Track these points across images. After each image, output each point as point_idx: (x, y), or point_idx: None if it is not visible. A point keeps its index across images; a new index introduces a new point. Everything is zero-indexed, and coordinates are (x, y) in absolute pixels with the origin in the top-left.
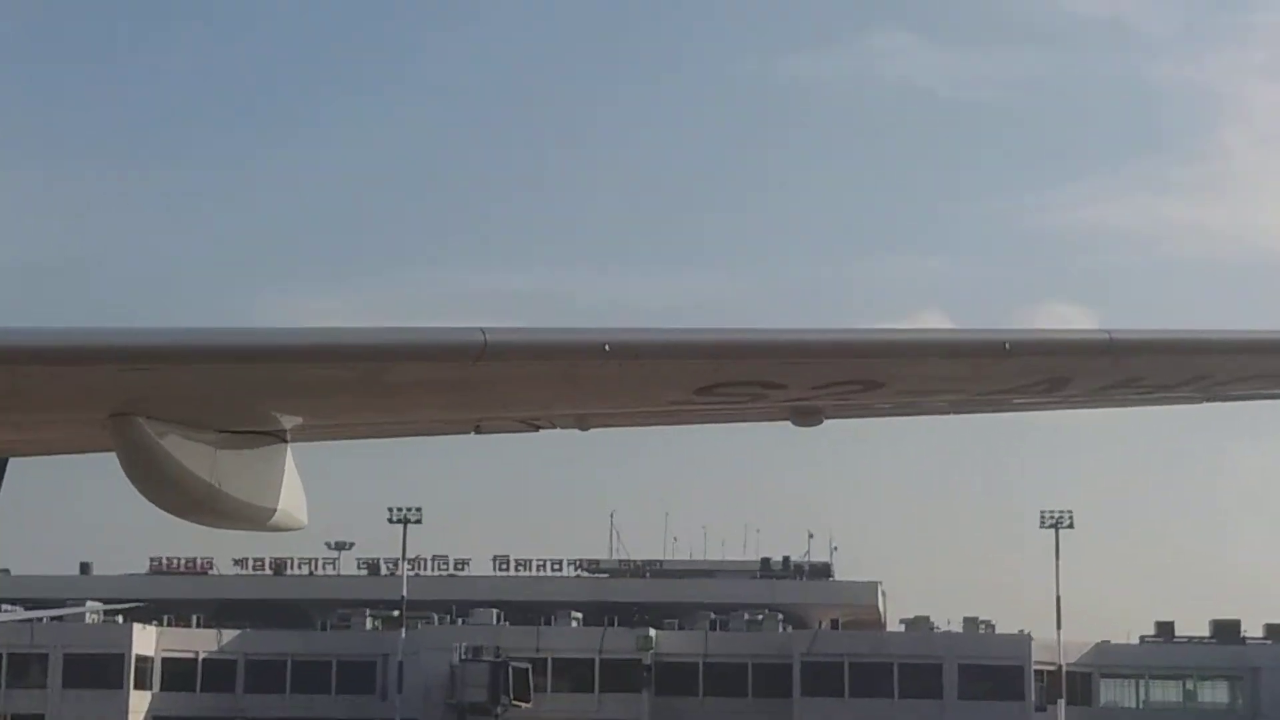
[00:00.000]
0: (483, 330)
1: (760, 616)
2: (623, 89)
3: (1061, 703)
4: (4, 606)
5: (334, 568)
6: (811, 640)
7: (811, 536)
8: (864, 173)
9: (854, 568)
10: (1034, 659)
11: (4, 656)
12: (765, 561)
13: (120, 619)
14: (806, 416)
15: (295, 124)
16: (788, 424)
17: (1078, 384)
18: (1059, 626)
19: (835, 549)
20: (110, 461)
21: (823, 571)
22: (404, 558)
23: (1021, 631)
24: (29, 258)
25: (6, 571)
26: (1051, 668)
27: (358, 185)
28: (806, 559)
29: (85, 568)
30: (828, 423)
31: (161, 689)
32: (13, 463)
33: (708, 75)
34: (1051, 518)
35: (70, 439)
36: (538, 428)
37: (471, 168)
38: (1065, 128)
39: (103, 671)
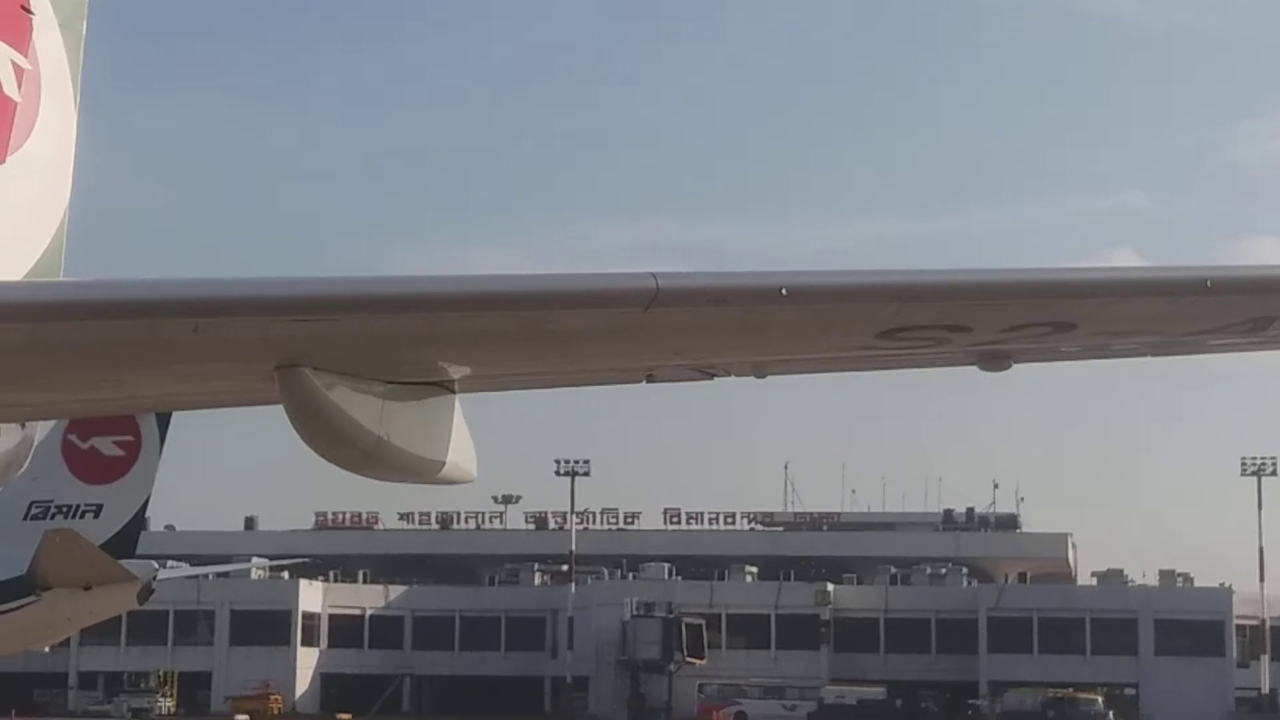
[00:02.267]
0: (654, 276)
1: (943, 570)
2: (790, 27)
3: (1265, 659)
4: (169, 563)
5: (501, 522)
6: (998, 595)
7: (997, 487)
8: (1049, 107)
9: (1042, 519)
10: (1235, 613)
11: (171, 613)
12: (948, 513)
13: (286, 575)
14: (994, 361)
15: (453, 72)
16: (973, 369)
17: None
18: (1262, 579)
19: (1022, 500)
20: (277, 414)
21: (1009, 523)
22: (572, 511)
23: (1222, 585)
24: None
25: (171, 528)
26: (1254, 622)
27: (519, 137)
28: (992, 510)
29: (250, 523)
30: (1016, 367)
31: (329, 645)
32: (178, 417)
33: (876, 11)
34: (1254, 465)
35: (236, 391)
36: (711, 375)
37: (635, 115)
38: (1269, 51)
39: (270, 628)
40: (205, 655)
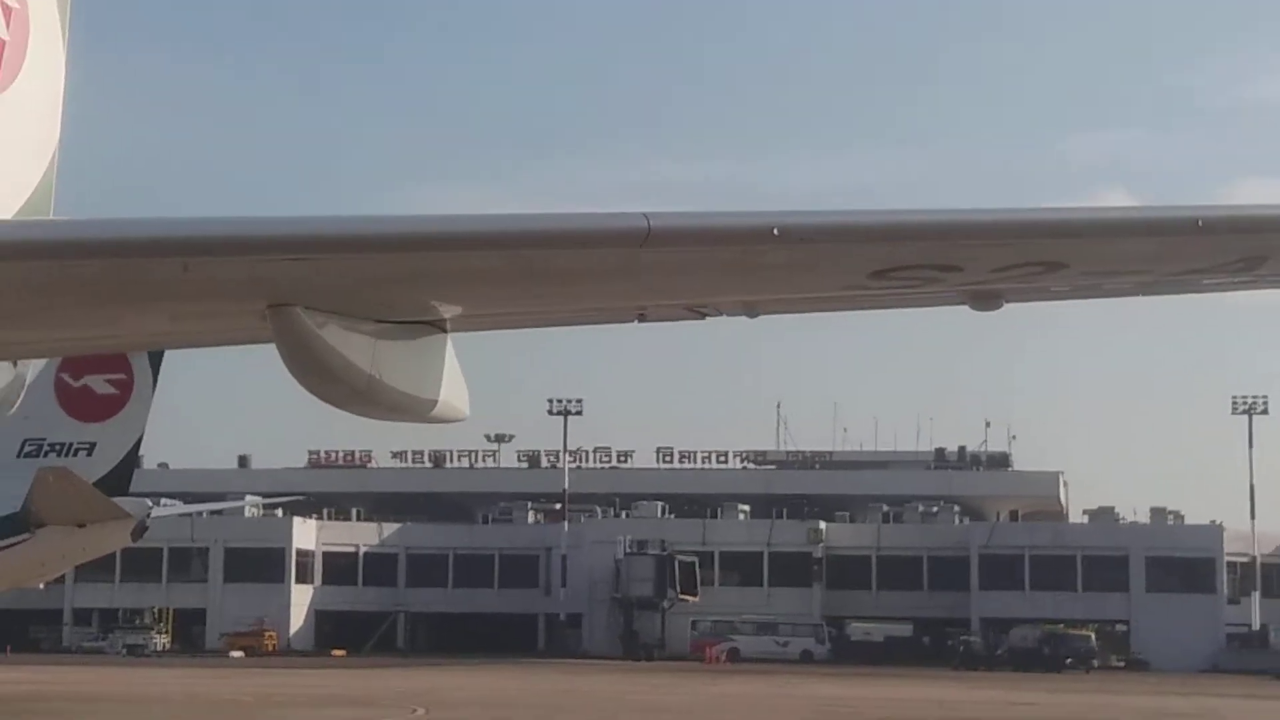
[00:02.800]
0: (647, 215)
1: (935, 509)
2: None
3: (1256, 595)
4: (163, 501)
5: (494, 460)
6: (990, 532)
7: (989, 425)
8: (1040, 42)
9: (1034, 458)
10: (1226, 550)
11: (165, 551)
12: (940, 452)
13: (280, 513)
14: (985, 300)
15: (446, 13)
16: (964, 308)
17: (1275, 262)
18: (1253, 516)
19: (1014, 438)
20: (269, 353)
21: (1001, 462)
22: (565, 450)
23: (1213, 522)
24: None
25: (165, 466)
26: (1245, 559)
27: (513, 77)
28: (984, 449)
29: (244, 461)
30: (1007, 306)
31: (323, 583)
32: (171, 355)
33: None
34: (1244, 403)
35: (228, 330)
36: (703, 315)
37: (628, 56)
38: None
39: (264, 565)
40: (199, 592)
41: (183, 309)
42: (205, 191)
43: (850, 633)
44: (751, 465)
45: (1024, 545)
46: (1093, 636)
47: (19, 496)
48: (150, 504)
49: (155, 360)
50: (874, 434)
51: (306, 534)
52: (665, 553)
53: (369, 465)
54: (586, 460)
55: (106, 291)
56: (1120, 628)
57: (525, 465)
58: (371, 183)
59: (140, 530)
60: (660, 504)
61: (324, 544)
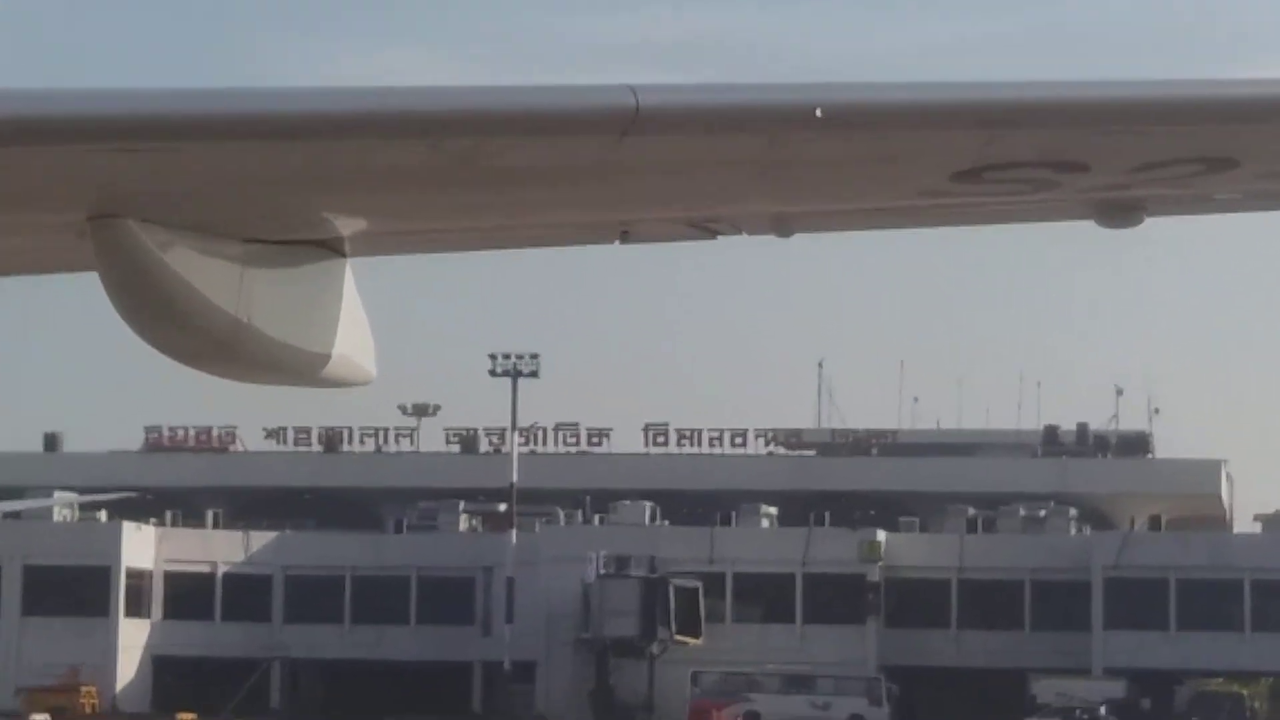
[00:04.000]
0: (634, 90)
1: (1043, 512)
2: None
3: None
4: None
5: (412, 442)
6: (1121, 546)
7: (1121, 394)
8: None
9: (1185, 440)
10: None
11: None
12: (1051, 431)
13: (103, 515)
14: (1120, 213)
15: None
16: (1089, 225)
17: None
18: None
19: (1157, 412)
20: (89, 285)
21: (1138, 445)
22: (514, 427)
23: None
24: None
25: None
26: None
27: None
28: (1113, 426)
29: (52, 442)
30: (1149, 223)
31: (165, 616)
32: None
33: None
34: None
35: (30, 253)
36: (714, 233)
37: None
38: None
39: (80, 591)
40: None
41: None
42: (33, 60)
43: (1035, 692)
44: (781, 450)
45: (1170, 565)
46: (1246, 697)
47: None
48: None
49: None
50: (957, 405)
51: (141, 546)
52: (655, 574)
53: (232, 448)
54: (544, 442)
55: None
56: None
57: (457, 449)
58: (242, 40)
59: None
60: (649, 504)
61: (166, 560)
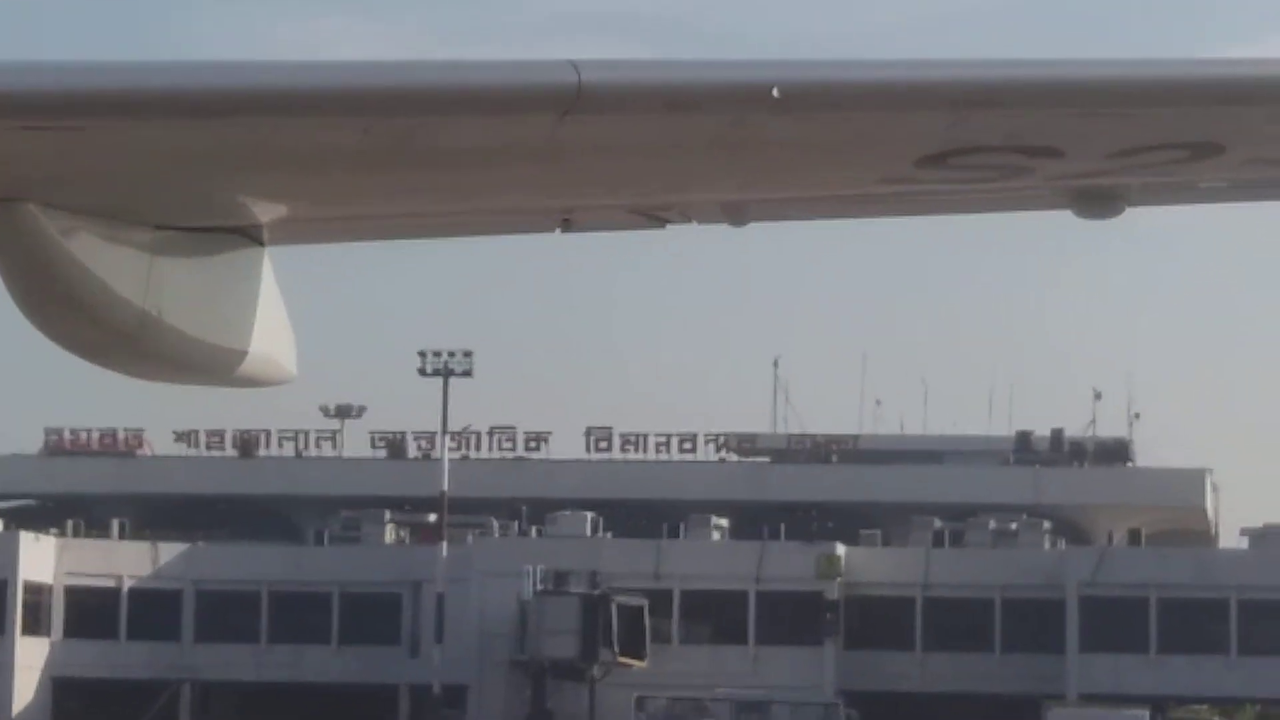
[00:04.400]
0: (575, 65)
1: (1015, 524)
2: None
3: None
4: None
5: (335, 446)
6: (1098, 562)
7: (1099, 397)
8: None
9: (1167, 448)
10: None
11: None
12: (1024, 437)
13: (0, 525)
14: (1097, 203)
15: None
16: (1066, 216)
17: None
18: None
19: (1137, 417)
20: None
21: (1117, 453)
22: (445, 431)
23: None
24: None
25: None
26: None
27: None
28: (1091, 433)
29: None
30: (1130, 214)
31: (66, 635)
32: None
33: None
34: None
35: None
36: (663, 221)
37: None
38: None
39: None
40: None
41: None
42: None
43: None
44: (733, 457)
45: (1150, 583)
46: None
47: None
48: None
49: None
50: (922, 408)
51: (40, 558)
52: (597, 591)
53: (139, 453)
54: (477, 447)
55: None
56: None
57: (383, 454)
58: (165, 5)
59: None
60: (590, 515)
61: (67, 574)
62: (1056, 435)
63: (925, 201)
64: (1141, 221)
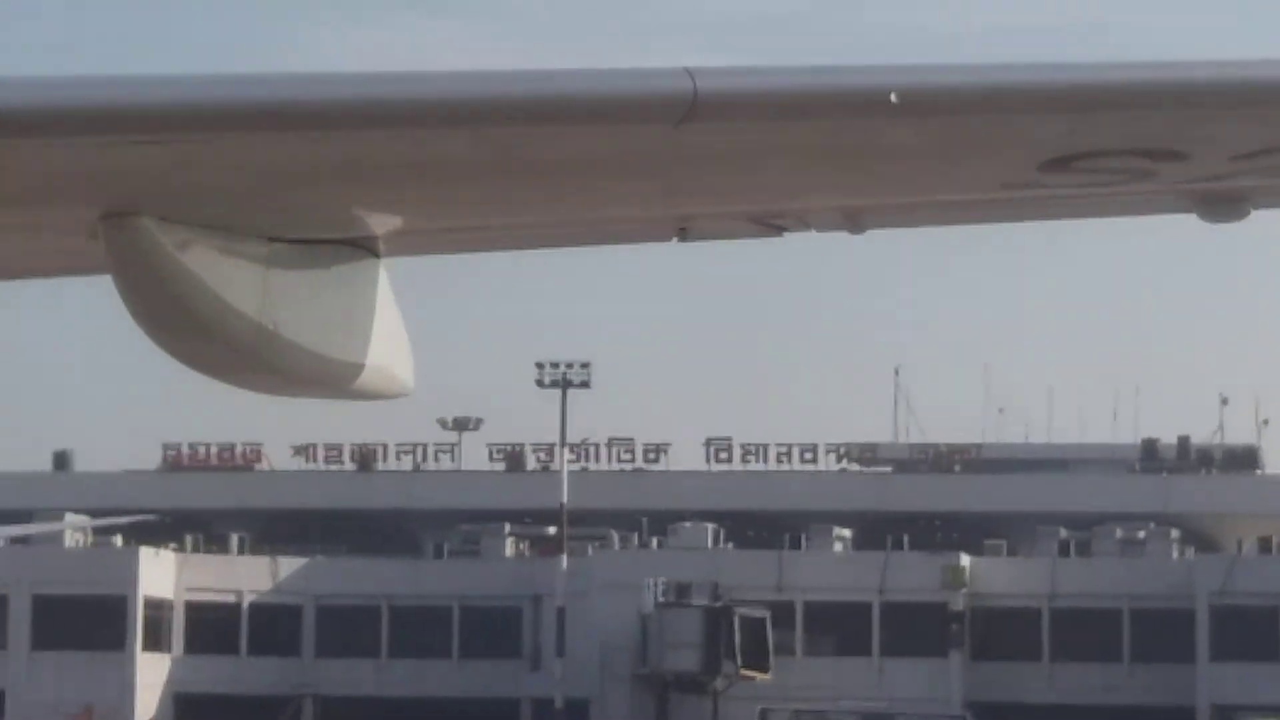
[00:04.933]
0: (691, 73)
1: (1142, 533)
2: None
3: None
4: None
5: (453, 459)
6: (1228, 570)
7: (1225, 403)
8: None
9: None
10: None
11: None
12: (1150, 444)
13: (119, 540)
14: (1222, 206)
15: None
16: (1190, 219)
17: None
18: None
19: (1265, 423)
20: (102, 289)
21: (1245, 460)
22: (564, 443)
23: None
24: None
25: None
26: None
27: None
28: (1218, 440)
29: (62, 460)
30: (1256, 216)
31: (187, 651)
32: None
33: None
34: None
35: (38, 256)
36: (780, 229)
37: None
38: None
39: (93, 622)
40: None
41: None
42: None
43: None
44: (854, 467)
45: None
46: None
47: None
48: None
49: None
50: (1047, 417)
51: (160, 574)
52: (719, 603)
53: (257, 467)
54: (597, 458)
55: None
56: None
57: (502, 467)
58: (274, 21)
59: None
60: (711, 526)
61: (188, 589)
62: (1183, 442)
63: (1048, 206)
64: (1267, 224)
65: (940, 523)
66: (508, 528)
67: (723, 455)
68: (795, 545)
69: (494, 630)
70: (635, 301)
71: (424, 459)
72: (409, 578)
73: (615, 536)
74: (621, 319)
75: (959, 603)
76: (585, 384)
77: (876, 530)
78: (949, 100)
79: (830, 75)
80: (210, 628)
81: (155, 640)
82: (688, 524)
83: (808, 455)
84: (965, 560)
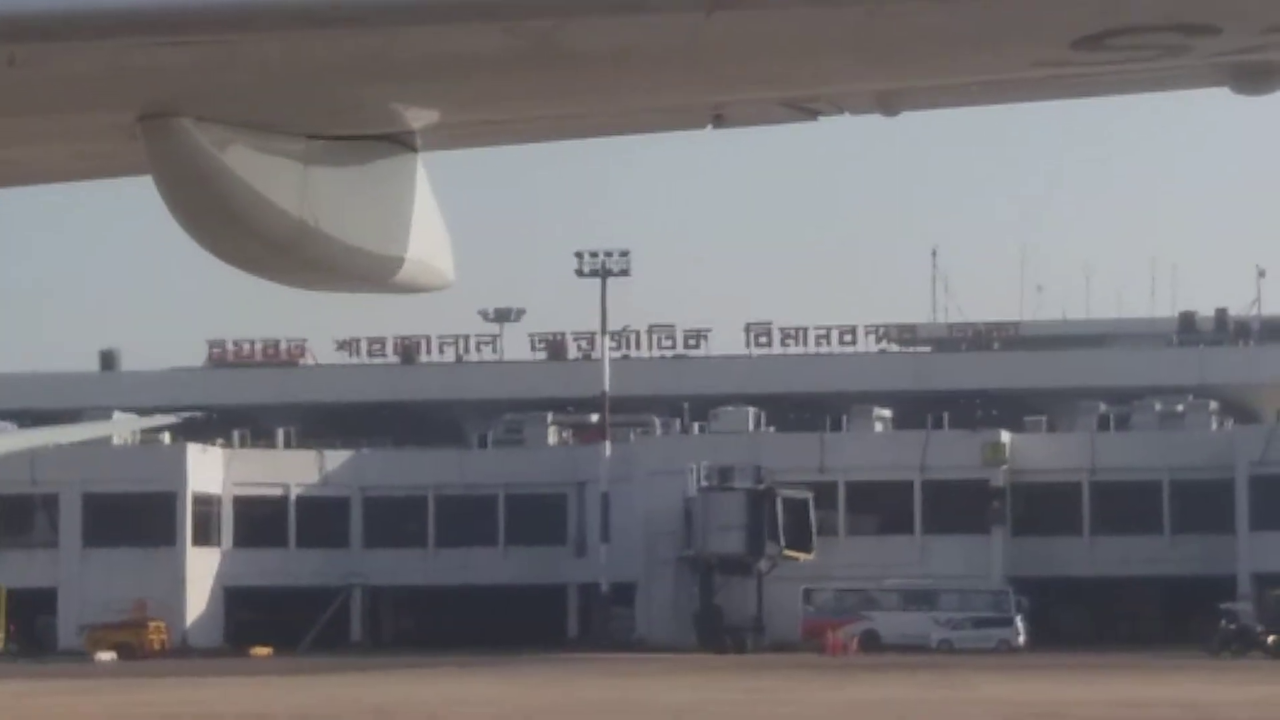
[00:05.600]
0: None
1: (1181, 406)
2: None
3: None
4: None
5: (495, 350)
6: (1267, 440)
7: (1263, 274)
8: None
9: None
10: None
11: None
12: (1188, 318)
13: (167, 437)
14: (1255, 78)
15: None
16: (1222, 92)
17: None
18: None
19: None
20: (144, 190)
21: None
22: (604, 331)
23: None
24: None
25: None
26: None
27: None
28: (1255, 311)
29: (109, 359)
30: None
31: (236, 545)
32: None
33: None
34: None
35: (80, 158)
36: (815, 114)
37: None
38: None
39: (144, 519)
40: (46, 563)
41: (11, 125)
42: None
43: None
44: (894, 347)
45: None
46: None
47: None
48: None
49: None
50: (1084, 293)
51: (208, 469)
52: (762, 485)
53: (302, 362)
54: (638, 346)
55: None
56: None
57: (544, 356)
58: None
59: None
60: (753, 410)
61: (236, 484)
62: (1220, 315)
63: (1080, 84)
64: None
65: (980, 400)
66: (550, 416)
67: (762, 339)
68: (836, 426)
69: (539, 518)
70: (673, 188)
71: (466, 350)
72: (454, 468)
73: (657, 422)
74: (660, 206)
75: (999, 479)
76: (625, 272)
77: (916, 409)
78: None
79: None
80: (258, 521)
81: (204, 535)
82: (729, 408)
83: (847, 337)
84: (1005, 437)
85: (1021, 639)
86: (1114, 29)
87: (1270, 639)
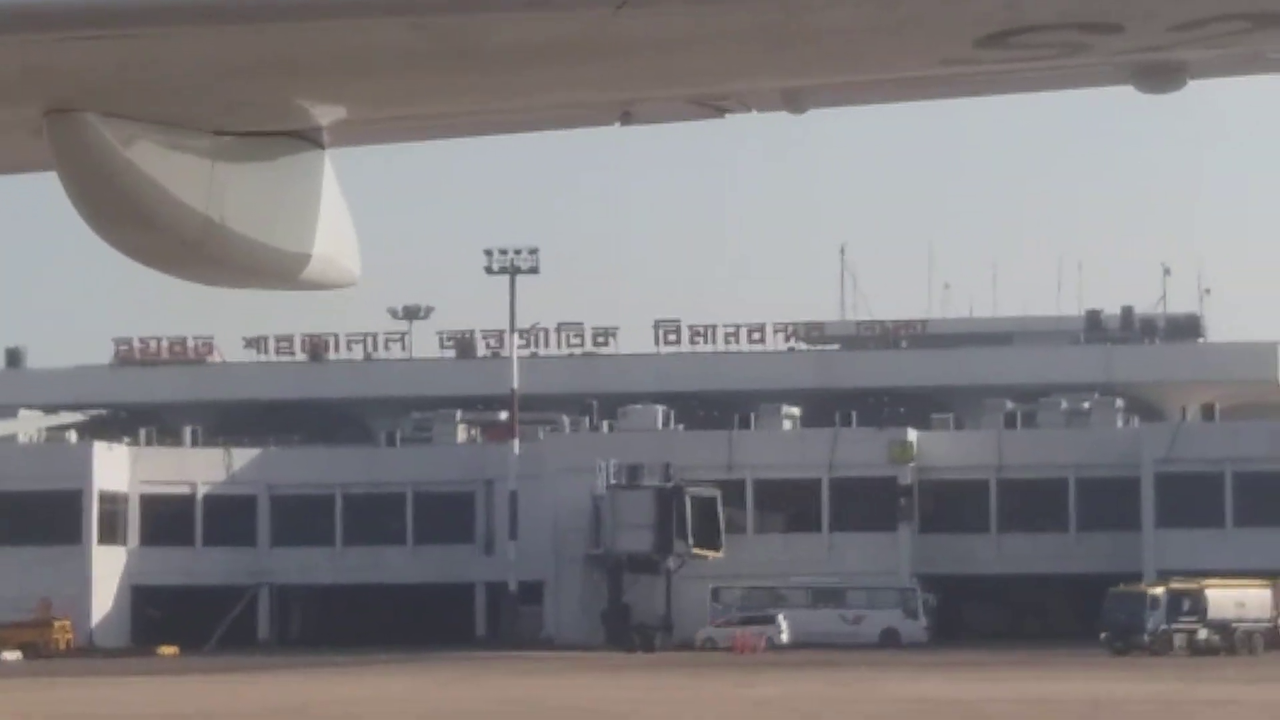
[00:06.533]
0: None
1: (1087, 403)
2: None
3: None
4: None
5: (404, 347)
6: (1172, 438)
7: (1168, 273)
8: None
9: (1239, 322)
10: None
11: None
12: (1094, 316)
13: (73, 435)
14: (1159, 77)
15: None
16: (1127, 90)
17: None
18: None
19: (1207, 292)
20: (49, 186)
21: (1188, 329)
22: (513, 329)
23: None
24: None
25: None
26: None
27: None
28: (1161, 309)
29: (15, 357)
30: (1192, 85)
31: (143, 543)
32: None
33: None
34: None
35: None
36: (722, 111)
37: None
38: None
39: (49, 517)
40: None
41: None
42: None
43: None
44: (802, 345)
45: (1225, 457)
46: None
47: None
48: None
49: None
50: (991, 291)
51: (115, 468)
52: (670, 483)
53: (209, 360)
54: (546, 344)
55: None
56: None
57: (452, 353)
58: None
59: None
60: (661, 408)
61: (142, 483)
62: (1127, 313)
63: (986, 82)
64: (1205, 93)
65: (887, 398)
66: (459, 414)
67: (671, 337)
68: (744, 424)
69: (447, 516)
70: (581, 185)
71: (375, 348)
72: (362, 466)
73: (566, 420)
74: (568, 203)
75: (907, 476)
76: (534, 270)
77: (825, 407)
78: None
79: None
80: (165, 520)
81: (111, 533)
82: (638, 406)
83: (755, 335)
84: (912, 435)
85: (924, 629)
86: (1015, 28)
87: (1102, 635)
